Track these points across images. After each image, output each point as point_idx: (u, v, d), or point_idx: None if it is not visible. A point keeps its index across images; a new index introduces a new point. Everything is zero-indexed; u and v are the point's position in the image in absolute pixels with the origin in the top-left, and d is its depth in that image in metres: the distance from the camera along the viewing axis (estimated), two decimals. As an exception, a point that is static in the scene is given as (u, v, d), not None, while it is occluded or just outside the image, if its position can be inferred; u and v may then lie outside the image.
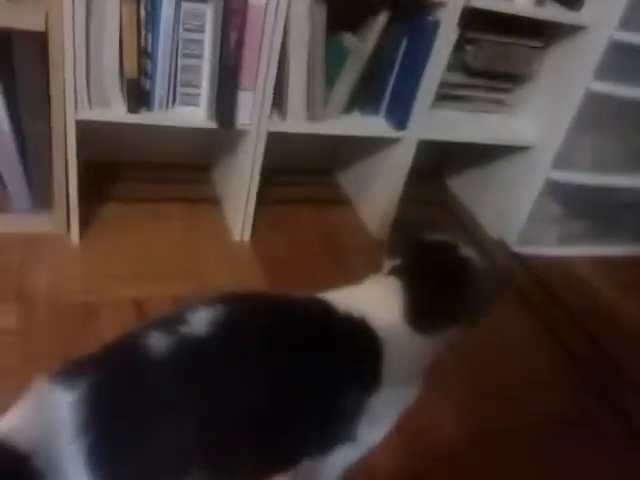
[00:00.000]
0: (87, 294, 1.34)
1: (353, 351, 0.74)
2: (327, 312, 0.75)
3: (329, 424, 0.74)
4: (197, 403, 0.60)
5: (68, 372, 0.59)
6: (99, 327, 1.26)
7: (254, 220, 1.60)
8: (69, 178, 1.37)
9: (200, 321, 0.64)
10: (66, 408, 0.55)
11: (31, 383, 0.59)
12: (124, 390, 0.59)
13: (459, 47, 1.56)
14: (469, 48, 1.62)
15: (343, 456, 0.82)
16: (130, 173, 1.76)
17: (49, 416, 0.56)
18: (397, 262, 0.85)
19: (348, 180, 1.95)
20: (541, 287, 1.75)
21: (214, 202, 1.74)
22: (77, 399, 0.56)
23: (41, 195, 1.44)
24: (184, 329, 0.63)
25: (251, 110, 1.40)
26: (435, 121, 1.64)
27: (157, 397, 0.59)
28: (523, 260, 1.83)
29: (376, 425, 0.80)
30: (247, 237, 1.61)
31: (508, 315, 1.57)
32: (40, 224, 1.46)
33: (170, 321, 0.64)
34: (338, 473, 0.88)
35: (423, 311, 0.80)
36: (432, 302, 0.81)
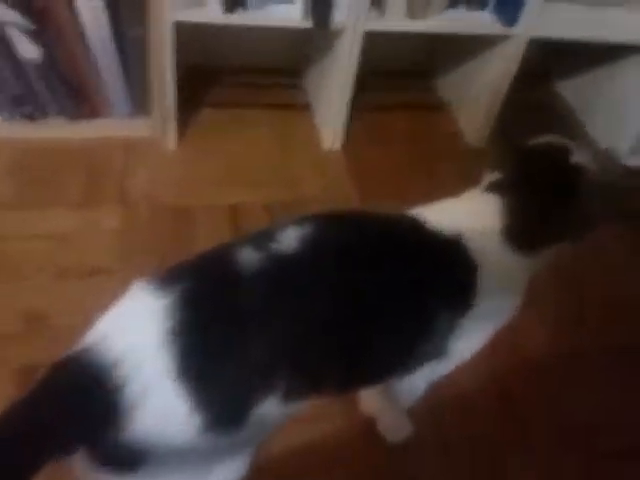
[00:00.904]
0: (183, 198, 1.38)
1: (446, 271, 0.72)
2: (420, 231, 0.72)
3: (419, 342, 0.72)
4: (285, 314, 0.60)
5: (163, 279, 0.59)
6: (195, 229, 1.31)
7: (346, 128, 1.56)
8: (166, 82, 1.37)
9: (289, 239, 0.63)
10: (158, 313, 0.56)
11: (128, 285, 0.60)
12: (216, 299, 0.59)
13: None
14: None
15: (432, 371, 0.81)
16: (224, 78, 1.74)
17: (140, 321, 0.56)
18: (499, 175, 0.79)
19: (447, 84, 1.83)
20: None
21: (306, 108, 1.70)
22: (170, 305, 0.56)
23: (139, 100, 1.46)
24: (274, 246, 0.62)
25: (348, 7, 1.32)
26: (549, 17, 1.48)
27: (247, 307, 0.59)
28: (634, 172, 1.68)
29: (468, 342, 0.78)
30: (338, 146, 1.58)
31: (611, 234, 1.47)
32: (138, 129, 1.49)
33: (261, 238, 0.64)
34: (425, 386, 0.89)
35: (525, 232, 0.75)
36: (536, 222, 0.75)
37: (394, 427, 1.01)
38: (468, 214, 0.77)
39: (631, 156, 1.71)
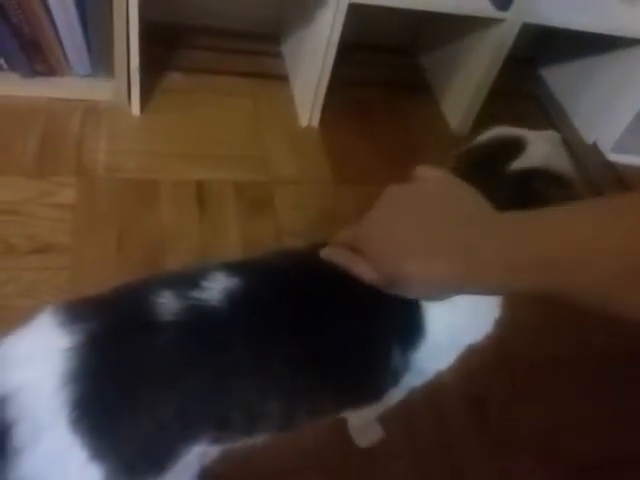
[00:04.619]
0: (147, 171, 1.27)
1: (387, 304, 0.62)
2: None
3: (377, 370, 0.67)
4: (201, 369, 0.54)
5: (71, 313, 0.53)
6: (157, 206, 1.21)
7: (324, 104, 1.46)
8: (130, 41, 1.25)
9: (214, 290, 0.56)
10: (59, 353, 0.50)
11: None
12: (124, 347, 0.52)
13: None
14: None
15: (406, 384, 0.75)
16: (195, 40, 1.62)
17: (40, 358, 0.50)
18: None
19: (432, 64, 1.75)
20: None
21: (283, 79, 1.60)
22: (73, 345, 0.50)
23: (101, 60, 1.33)
24: (197, 294, 0.55)
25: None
26: (543, 3, 1.41)
27: (159, 360, 0.53)
28: (617, 170, 1.65)
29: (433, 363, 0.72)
30: (316, 122, 1.48)
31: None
32: (99, 91, 1.37)
33: (184, 282, 0.57)
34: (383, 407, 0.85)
35: None
36: None
37: (363, 431, 0.97)
38: None
39: (615, 152, 1.67)
